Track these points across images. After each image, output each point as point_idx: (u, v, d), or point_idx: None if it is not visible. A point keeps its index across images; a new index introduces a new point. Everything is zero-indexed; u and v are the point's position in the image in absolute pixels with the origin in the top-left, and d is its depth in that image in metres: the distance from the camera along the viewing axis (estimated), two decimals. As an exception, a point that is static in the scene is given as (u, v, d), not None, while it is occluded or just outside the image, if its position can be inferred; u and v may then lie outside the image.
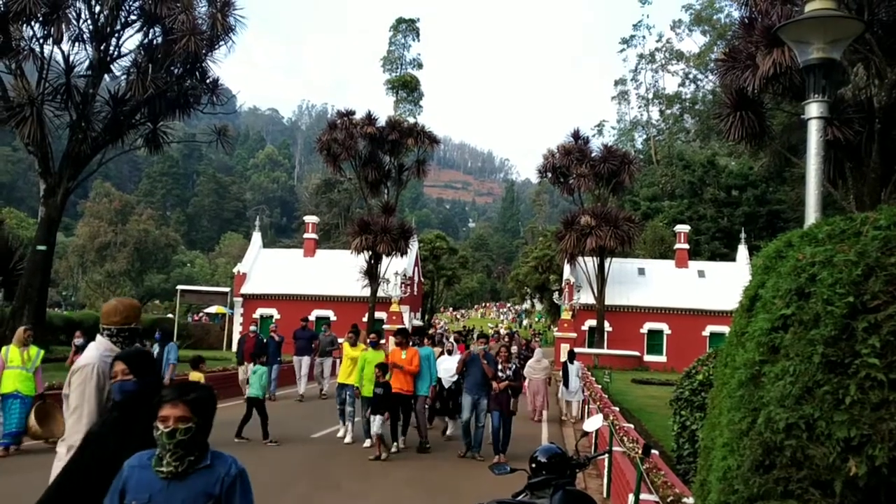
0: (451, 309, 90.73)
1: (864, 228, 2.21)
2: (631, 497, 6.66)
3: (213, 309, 49.74)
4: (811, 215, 4.41)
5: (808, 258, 2.26)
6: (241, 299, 43.28)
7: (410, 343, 13.53)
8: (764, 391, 2.20)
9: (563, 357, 21.21)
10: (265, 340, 20.14)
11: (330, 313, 42.24)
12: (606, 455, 9.11)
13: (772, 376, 2.19)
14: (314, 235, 47.46)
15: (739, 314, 2.68)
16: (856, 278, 2.10)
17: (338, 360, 19.18)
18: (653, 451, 7.29)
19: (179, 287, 46.61)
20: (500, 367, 12.67)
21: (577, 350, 30.51)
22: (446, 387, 14.66)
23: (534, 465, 5.24)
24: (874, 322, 2.03)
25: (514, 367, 13.15)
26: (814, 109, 4.53)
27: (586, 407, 16.54)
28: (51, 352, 23.44)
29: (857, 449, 1.97)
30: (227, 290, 45.76)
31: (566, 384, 18.50)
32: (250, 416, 13.28)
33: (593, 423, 6.33)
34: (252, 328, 21.31)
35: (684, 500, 5.75)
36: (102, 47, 25.23)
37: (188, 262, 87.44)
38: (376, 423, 12.07)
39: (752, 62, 17.74)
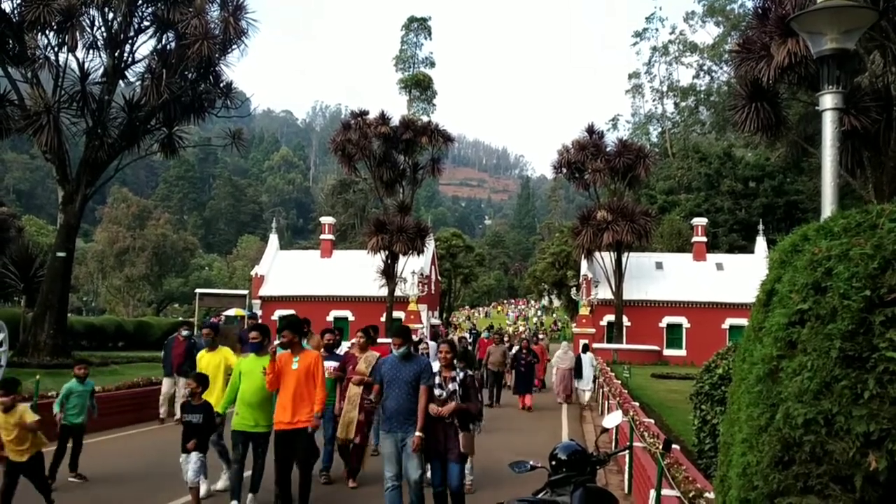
0: (468, 307, 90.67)
1: (879, 221, 2.19)
2: (652, 493, 6.63)
3: (231, 311, 50.06)
4: (827, 207, 4.37)
5: (824, 252, 2.24)
6: (259, 301, 43.49)
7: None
8: (782, 386, 2.19)
9: (579, 350, 21.79)
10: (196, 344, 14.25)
11: (348, 313, 42.41)
12: (627, 451, 9.09)
13: (789, 371, 2.17)
14: (331, 236, 47.62)
15: (756, 309, 2.66)
16: (872, 272, 2.08)
17: None
18: (673, 445, 7.26)
19: (198, 290, 46.85)
20: (436, 379, 7.55)
21: (595, 346, 30.46)
22: None
23: (554, 463, 5.23)
24: (892, 316, 2.01)
25: (459, 378, 7.62)
26: (828, 101, 4.48)
27: (606, 402, 16.52)
28: (73, 357, 23.68)
29: (877, 443, 1.95)
30: (245, 292, 45.94)
31: (578, 374, 20.65)
32: (64, 450, 9.75)
33: (613, 419, 6.32)
34: (184, 331, 15.30)
35: (706, 495, 5.72)
36: (117, 54, 25.38)
37: (206, 265, 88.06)
38: (192, 465, 8.12)
39: (767, 52, 17.60)
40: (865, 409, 1.97)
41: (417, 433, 7.14)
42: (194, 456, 8.06)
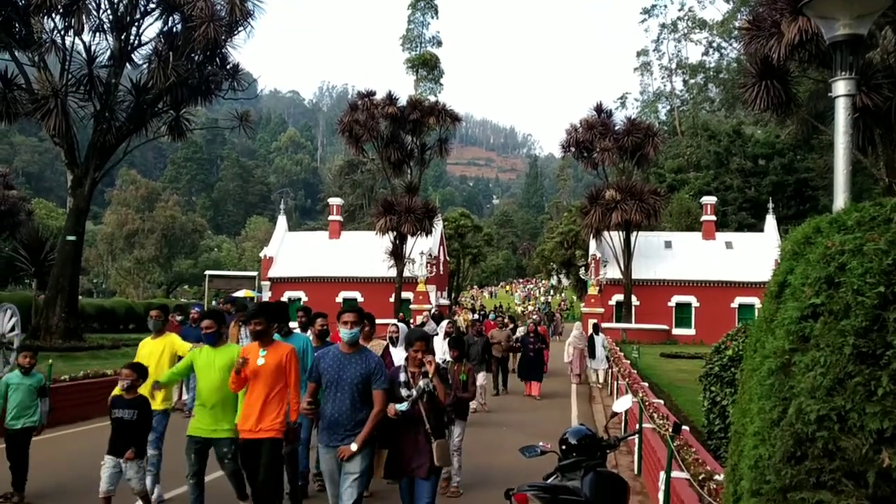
0: (476, 287, 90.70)
1: (894, 215, 2.17)
2: (662, 475, 6.67)
3: (241, 293, 50.30)
4: (840, 196, 4.34)
5: (838, 246, 2.23)
6: (268, 283, 43.64)
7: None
8: (794, 381, 2.18)
9: (590, 331, 21.76)
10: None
11: (357, 294, 42.54)
12: (637, 435, 9.13)
13: (802, 366, 2.17)
14: (339, 217, 47.67)
15: (768, 300, 2.65)
16: (886, 268, 2.07)
17: None
18: (683, 427, 7.29)
19: (207, 272, 47.04)
20: (402, 375, 6.12)
21: (605, 325, 30.48)
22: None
23: (564, 447, 5.26)
24: (906, 312, 2.00)
25: (425, 380, 5.98)
26: (841, 87, 4.44)
27: (615, 383, 16.56)
28: (85, 340, 23.85)
29: (891, 440, 1.95)
30: (254, 273, 46.11)
31: (592, 355, 20.56)
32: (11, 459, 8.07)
33: (623, 403, 6.33)
34: (178, 315, 14.88)
35: (716, 477, 5.74)
36: (123, 37, 25.33)
37: (215, 246, 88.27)
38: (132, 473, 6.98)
39: (777, 29, 17.45)
40: (879, 406, 1.97)
41: (354, 444, 5.69)
42: (133, 465, 6.90)
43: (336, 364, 5.87)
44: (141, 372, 7.20)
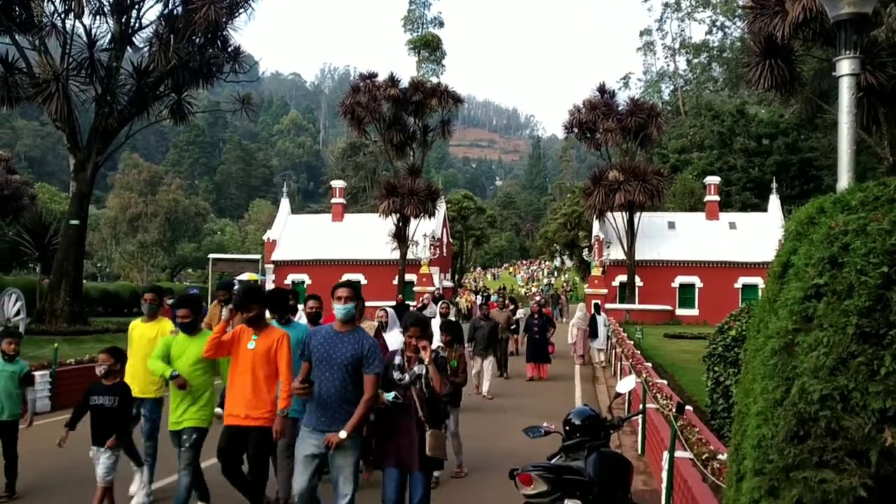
0: (480, 268, 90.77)
1: (898, 195, 2.17)
2: (665, 455, 6.70)
3: (245, 276, 50.38)
4: (843, 176, 4.33)
5: (841, 226, 2.22)
6: (272, 266, 43.73)
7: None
8: (797, 361, 2.19)
9: (592, 311, 21.85)
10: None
11: (360, 277, 42.58)
12: (640, 415, 9.16)
13: (805, 346, 2.17)
14: (342, 200, 47.68)
15: (772, 280, 2.66)
16: (890, 248, 2.06)
17: None
18: (687, 407, 7.31)
19: (211, 255, 47.13)
20: (397, 359, 5.87)
21: (608, 306, 30.52)
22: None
23: (568, 428, 5.30)
24: (910, 292, 2.00)
25: (420, 366, 5.73)
26: (845, 66, 4.41)
27: (619, 363, 16.59)
28: (89, 324, 23.95)
29: (893, 419, 1.96)
30: (258, 257, 46.19)
31: (594, 334, 20.61)
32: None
33: (626, 384, 6.36)
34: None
35: (719, 456, 5.77)
36: (123, 20, 25.25)
37: (218, 230, 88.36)
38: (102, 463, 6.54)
39: (781, 7, 17.34)
40: (882, 386, 1.97)
41: (343, 432, 5.31)
42: (106, 454, 6.46)
43: (327, 342, 5.50)
44: (118, 356, 6.78)
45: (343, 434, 5.30)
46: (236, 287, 9.41)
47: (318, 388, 5.43)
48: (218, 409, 7.13)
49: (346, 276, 42.33)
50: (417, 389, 5.63)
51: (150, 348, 7.16)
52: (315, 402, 5.48)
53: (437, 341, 9.31)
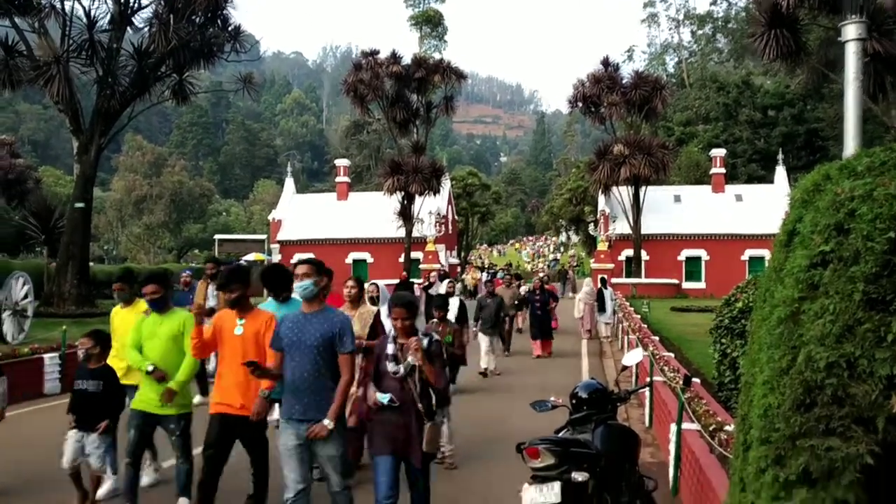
0: (486, 245, 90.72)
1: (905, 160, 2.14)
2: (673, 426, 6.71)
3: (251, 256, 50.55)
4: (850, 143, 4.28)
5: (847, 192, 2.20)
6: (277, 245, 43.79)
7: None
8: (804, 329, 2.17)
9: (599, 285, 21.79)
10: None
11: (367, 255, 42.67)
12: (647, 388, 9.17)
13: (811, 314, 2.16)
14: (346, 178, 47.61)
15: (777, 249, 2.64)
16: (897, 213, 2.05)
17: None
18: (694, 379, 7.31)
19: (217, 236, 47.28)
20: (390, 349, 5.35)
21: (614, 280, 30.49)
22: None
23: (575, 401, 5.30)
24: (917, 257, 1.98)
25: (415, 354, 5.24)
26: (851, 31, 4.35)
27: (626, 337, 16.57)
28: (97, 307, 24.04)
29: (900, 386, 1.95)
30: (263, 237, 46.27)
31: (602, 308, 20.61)
32: None
33: (633, 357, 6.36)
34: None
35: (726, 427, 5.77)
36: (123, 0, 25.12)
37: (223, 210, 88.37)
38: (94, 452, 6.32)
39: (786, -24, 17.12)
40: (888, 352, 1.96)
41: (327, 420, 4.97)
42: (95, 439, 6.25)
43: (296, 325, 5.15)
44: (100, 339, 6.54)
45: (328, 422, 4.96)
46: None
47: (290, 374, 5.10)
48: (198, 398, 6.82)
49: (353, 255, 42.53)
50: (415, 379, 5.23)
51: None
52: (289, 390, 5.13)
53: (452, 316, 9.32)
